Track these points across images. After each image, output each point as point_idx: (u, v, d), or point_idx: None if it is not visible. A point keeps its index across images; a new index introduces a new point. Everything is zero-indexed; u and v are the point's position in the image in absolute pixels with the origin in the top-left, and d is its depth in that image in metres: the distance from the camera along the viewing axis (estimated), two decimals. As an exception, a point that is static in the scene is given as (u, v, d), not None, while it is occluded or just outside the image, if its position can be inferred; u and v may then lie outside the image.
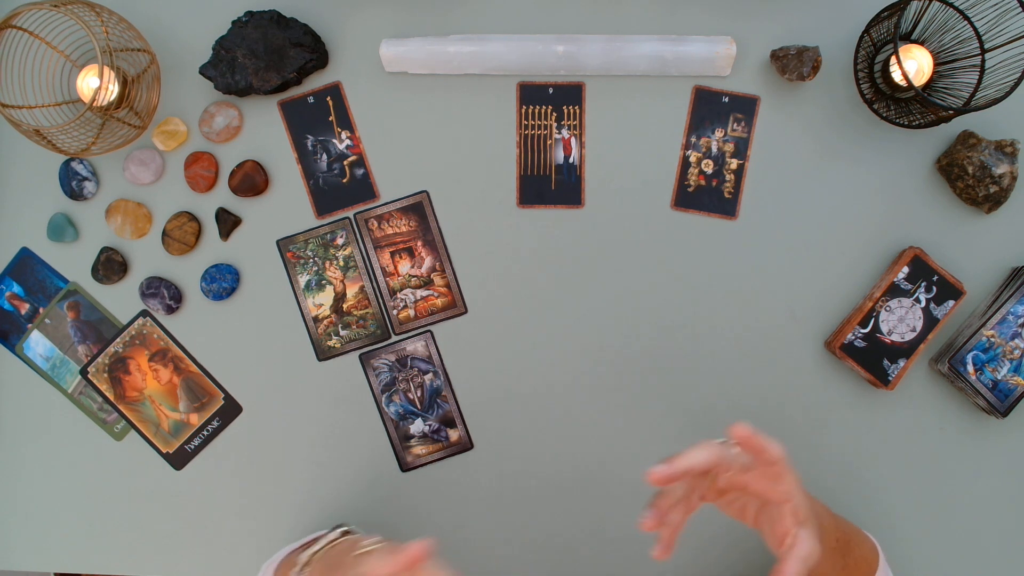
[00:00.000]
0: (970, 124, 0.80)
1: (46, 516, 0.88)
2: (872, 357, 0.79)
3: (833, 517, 0.69)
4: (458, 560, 0.86)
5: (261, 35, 0.82)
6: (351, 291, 0.85)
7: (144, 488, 0.87)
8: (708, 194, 0.83)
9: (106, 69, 0.77)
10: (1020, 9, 0.72)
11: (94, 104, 0.77)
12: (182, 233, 0.85)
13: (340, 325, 0.85)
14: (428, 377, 0.85)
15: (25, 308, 0.87)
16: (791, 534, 0.56)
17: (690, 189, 0.83)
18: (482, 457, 0.86)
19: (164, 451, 0.87)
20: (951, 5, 0.77)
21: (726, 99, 0.83)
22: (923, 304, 0.79)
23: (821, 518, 0.64)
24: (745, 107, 0.82)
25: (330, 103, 0.85)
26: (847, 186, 0.82)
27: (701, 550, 0.84)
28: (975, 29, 0.77)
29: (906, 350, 0.79)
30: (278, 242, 0.86)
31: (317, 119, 0.85)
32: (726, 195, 0.83)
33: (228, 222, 0.85)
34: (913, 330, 0.79)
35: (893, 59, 0.77)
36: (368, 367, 0.86)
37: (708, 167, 0.83)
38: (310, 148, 0.85)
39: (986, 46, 0.77)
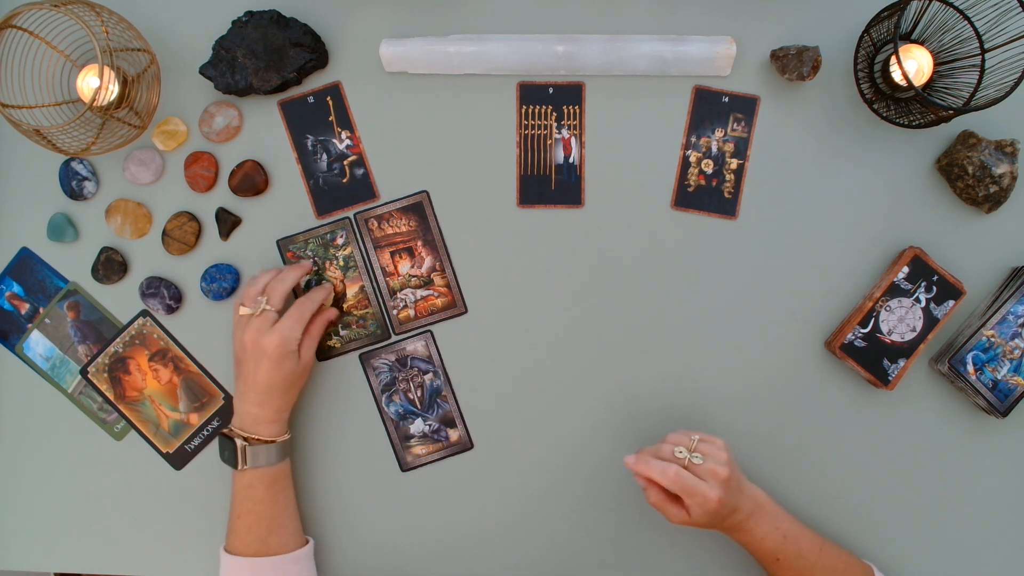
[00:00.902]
0: (970, 124, 0.80)
1: (46, 516, 0.88)
2: (872, 357, 0.79)
3: (780, 531, 0.74)
4: (458, 560, 0.86)
5: (261, 35, 0.82)
6: (351, 291, 0.85)
7: (144, 488, 0.87)
8: (708, 194, 0.83)
9: (106, 69, 0.77)
10: (1020, 9, 0.72)
11: (94, 104, 0.77)
12: (182, 233, 0.85)
13: (340, 325, 0.85)
14: (428, 377, 0.85)
15: (25, 308, 0.88)
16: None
17: (690, 189, 0.83)
18: (482, 457, 0.86)
19: (164, 451, 0.87)
20: (951, 5, 0.77)
21: (726, 99, 0.83)
22: (923, 304, 0.79)
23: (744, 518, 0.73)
24: (745, 107, 0.82)
25: (330, 103, 0.85)
26: (847, 186, 0.82)
27: (701, 550, 0.84)
28: (975, 29, 0.77)
29: (906, 350, 0.79)
30: (278, 242, 0.86)
31: (317, 119, 0.85)
32: (726, 195, 0.83)
33: (228, 222, 0.85)
34: (913, 330, 0.79)
35: (893, 59, 0.77)
36: (368, 367, 0.86)
37: (708, 167, 0.83)
38: (310, 148, 0.85)
39: (986, 46, 0.77)
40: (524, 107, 0.84)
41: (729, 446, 0.72)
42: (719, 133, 0.83)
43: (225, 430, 0.79)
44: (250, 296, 0.78)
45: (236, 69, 0.82)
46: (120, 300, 0.87)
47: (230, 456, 0.77)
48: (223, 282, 0.85)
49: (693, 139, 0.83)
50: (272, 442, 0.77)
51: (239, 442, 0.76)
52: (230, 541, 0.79)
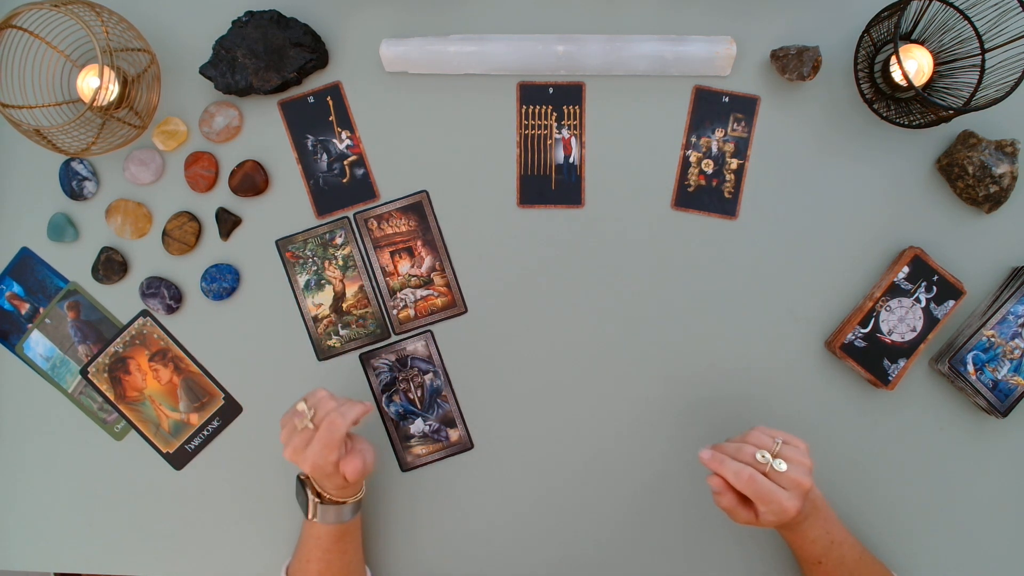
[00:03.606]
0: (970, 124, 0.80)
1: (46, 516, 0.88)
2: (872, 357, 0.79)
3: (845, 536, 0.73)
4: (458, 560, 0.86)
5: (261, 35, 0.82)
6: (350, 290, 0.85)
7: (144, 488, 0.87)
8: (708, 194, 0.83)
9: (106, 69, 0.77)
10: (1020, 9, 0.72)
11: (94, 104, 0.77)
12: (182, 233, 0.85)
13: (340, 325, 0.85)
14: (428, 377, 0.85)
15: (25, 308, 0.88)
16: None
17: (690, 189, 0.83)
18: (482, 457, 0.86)
19: (164, 451, 0.87)
20: (951, 5, 0.77)
21: (726, 99, 0.83)
22: (923, 304, 0.79)
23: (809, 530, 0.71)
24: (745, 107, 0.82)
25: (330, 103, 0.85)
26: (847, 186, 0.82)
27: (703, 551, 0.84)
28: (975, 29, 0.77)
29: (906, 350, 0.79)
30: (277, 242, 0.86)
31: (317, 119, 0.85)
32: (726, 195, 0.83)
33: (228, 222, 0.85)
34: (913, 330, 0.79)
35: (893, 59, 0.77)
36: (368, 367, 0.86)
37: (708, 167, 0.83)
38: (310, 148, 0.85)
39: (986, 46, 0.77)
40: (524, 107, 0.84)
41: (810, 448, 0.68)
42: (719, 133, 0.83)
43: (301, 475, 0.77)
44: (309, 404, 0.72)
45: (236, 69, 0.82)
46: (120, 300, 0.87)
47: (302, 504, 0.76)
48: (223, 282, 0.85)
49: (693, 139, 0.83)
50: (343, 503, 0.75)
51: (312, 497, 0.74)
52: None
